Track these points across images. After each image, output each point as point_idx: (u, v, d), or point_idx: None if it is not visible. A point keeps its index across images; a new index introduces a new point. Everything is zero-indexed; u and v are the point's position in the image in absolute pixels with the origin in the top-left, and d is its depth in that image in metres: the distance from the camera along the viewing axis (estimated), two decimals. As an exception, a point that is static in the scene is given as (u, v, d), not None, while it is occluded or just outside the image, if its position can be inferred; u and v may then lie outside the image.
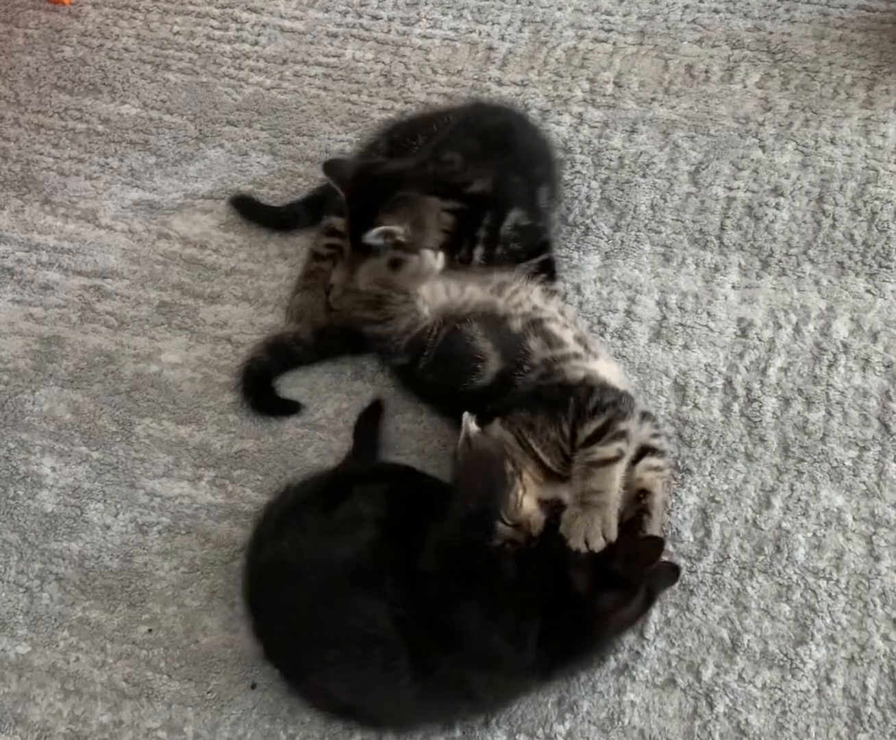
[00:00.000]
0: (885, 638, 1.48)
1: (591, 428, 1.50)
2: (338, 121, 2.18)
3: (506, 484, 1.44)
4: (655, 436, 1.60)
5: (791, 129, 2.04)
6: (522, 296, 1.70)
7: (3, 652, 1.58)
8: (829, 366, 1.73)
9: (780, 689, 1.45)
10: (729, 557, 1.56)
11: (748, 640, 1.49)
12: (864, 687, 1.44)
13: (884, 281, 1.81)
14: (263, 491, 1.69)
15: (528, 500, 1.46)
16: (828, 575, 1.53)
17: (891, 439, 1.64)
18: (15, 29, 2.46)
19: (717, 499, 1.61)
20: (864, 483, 1.61)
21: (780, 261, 1.86)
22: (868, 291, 1.81)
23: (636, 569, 1.42)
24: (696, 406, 1.71)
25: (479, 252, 1.76)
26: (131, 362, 1.87)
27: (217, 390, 1.82)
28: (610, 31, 2.27)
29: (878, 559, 1.54)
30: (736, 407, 1.70)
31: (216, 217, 2.05)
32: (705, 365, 1.75)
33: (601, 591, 1.40)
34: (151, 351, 1.88)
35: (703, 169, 2.00)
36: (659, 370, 1.76)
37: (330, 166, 1.84)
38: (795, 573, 1.54)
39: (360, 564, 1.43)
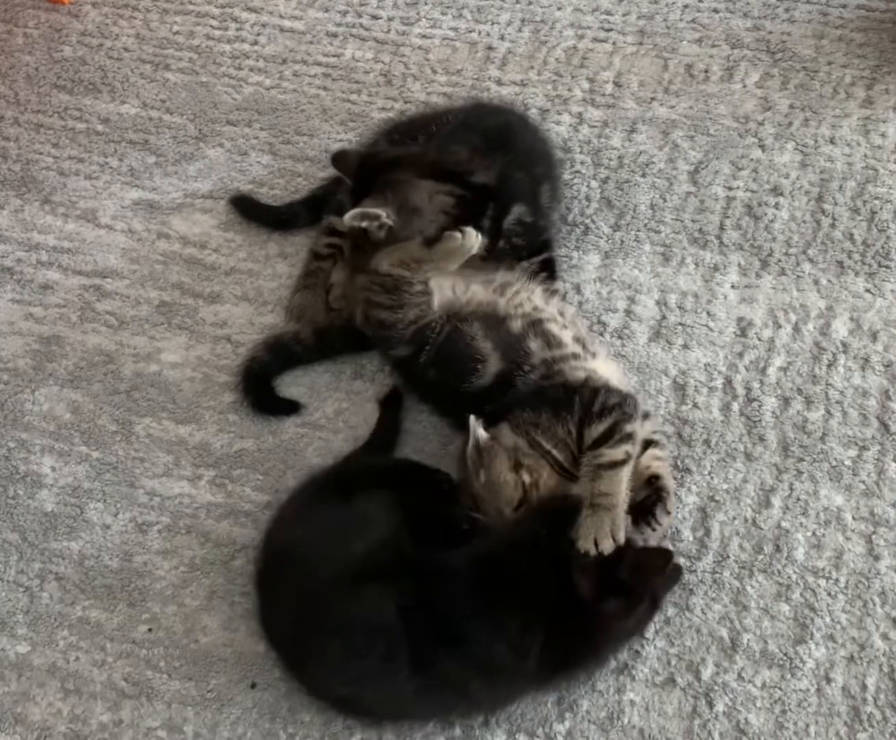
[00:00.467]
0: (885, 637, 1.48)
1: (597, 430, 1.50)
2: (337, 120, 2.18)
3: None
4: (656, 432, 1.61)
5: (790, 129, 2.04)
6: (524, 296, 1.70)
7: (2, 652, 1.58)
8: (829, 366, 1.73)
9: (780, 688, 1.45)
10: (728, 556, 1.56)
11: (748, 639, 1.49)
12: (864, 686, 1.44)
13: (883, 280, 1.81)
14: (263, 490, 1.69)
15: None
16: (827, 575, 1.53)
17: (890, 438, 1.64)
18: (14, 28, 2.46)
19: (717, 498, 1.61)
20: (863, 482, 1.61)
21: (780, 260, 1.86)
22: (867, 291, 1.81)
23: (642, 579, 1.42)
24: (695, 405, 1.71)
25: (482, 244, 1.76)
26: (131, 362, 1.87)
27: (217, 390, 1.82)
28: (609, 30, 2.27)
29: (877, 558, 1.54)
30: (735, 406, 1.70)
31: (216, 216, 2.06)
32: (705, 364, 1.75)
33: (605, 598, 1.40)
34: (151, 350, 1.88)
35: (702, 168, 2.00)
36: (658, 369, 1.76)
37: (338, 158, 1.84)
38: (795, 572, 1.54)
39: (372, 556, 1.43)
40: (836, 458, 1.63)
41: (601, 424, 1.50)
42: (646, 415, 1.61)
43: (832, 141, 2.01)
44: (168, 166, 2.15)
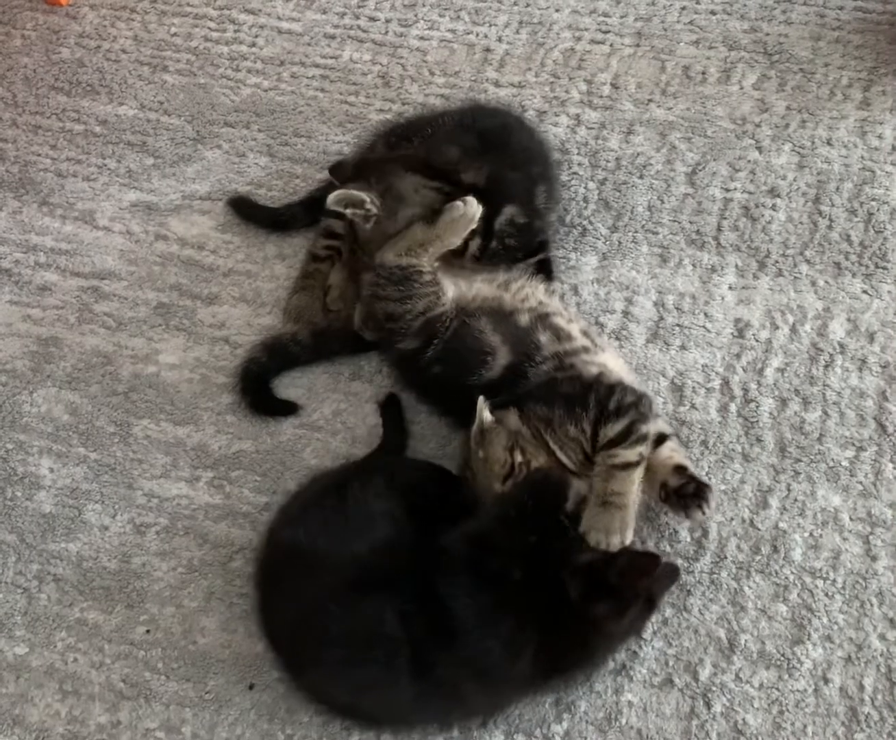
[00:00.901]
0: (882, 637, 1.48)
1: (613, 430, 1.51)
2: (335, 122, 2.18)
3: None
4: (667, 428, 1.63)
5: (787, 131, 2.04)
6: (528, 291, 1.71)
7: (0, 653, 1.58)
8: (826, 367, 1.73)
9: (778, 689, 1.45)
10: (726, 557, 1.56)
11: (745, 640, 1.49)
12: (861, 687, 1.45)
13: (880, 281, 1.82)
14: (261, 491, 1.69)
15: None
16: (824, 575, 1.54)
17: (887, 439, 1.65)
18: (12, 30, 2.46)
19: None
20: (860, 483, 1.61)
21: (777, 261, 1.86)
22: (865, 292, 1.81)
23: (631, 582, 1.42)
24: (693, 406, 1.71)
25: (475, 244, 1.76)
26: (129, 363, 1.87)
27: (215, 391, 1.82)
28: (607, 32, 2.27)
29: (874, 559, 1.54)
30: (733, 407, 1.70)
31: (214, 218, 2.06)
32: (702, 365, 1.76)
33: (595, 601, 1.39)
34: (149, 352, 1.88)
35: (699, 170, 2.00)
36: (656, 371, 1.76)
37: (336, 169, 1.84)
38: (792, 573, 1.54)
39: (373, 562, 1.43)
40: (833, 459, 1.64)
41: (618, 424, 1.51)
42: (656, 413, 1.62)
43: (829, 142, 2.01)
44: (166, 168, 2.15)
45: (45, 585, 1.64)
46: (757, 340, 1.77)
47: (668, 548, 1.57)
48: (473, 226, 1.71)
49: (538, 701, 1.47)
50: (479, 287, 1.71)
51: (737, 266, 1.87)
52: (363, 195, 1.71)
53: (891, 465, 1.62)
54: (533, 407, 1.55)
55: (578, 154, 2.06)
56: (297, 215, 2.01)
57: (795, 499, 1.60)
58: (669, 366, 1.76)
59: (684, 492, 1.52)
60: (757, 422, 1.68)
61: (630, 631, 1.47)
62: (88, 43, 2.41)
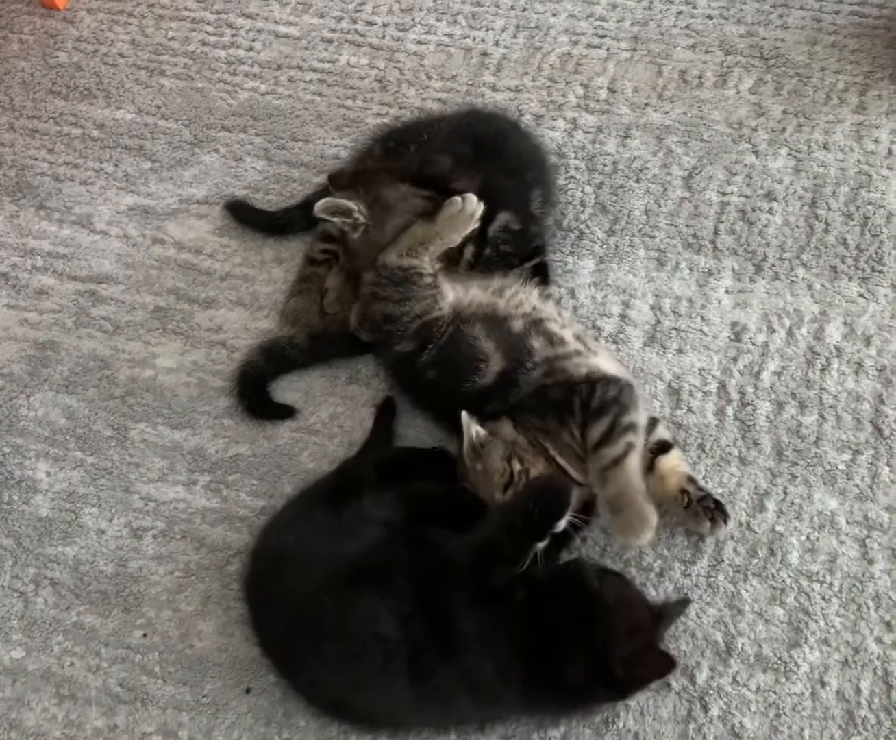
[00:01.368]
0: (879, 640, 1.48)
1: (597, 431, 1.51)
2: (332, 126, 2.18)
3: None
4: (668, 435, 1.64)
5: (784, 135, 2.04)
6: (522, 297, 1.71)
7: (-3, 657, 1.58)
8: (823, 370, 1.73)
9: (775, 692, 1.46)
10: (723, 560, 1.56)
11: (742, 643, 1.49)
12: (858, 690, 1.45)
13: (876, 285, 1.82)
14: (258, 495, 1.69)
15: None
16: (821, 579, 1.54)
17: (884, 442, 1.65)
18: (10, 34, 2.46)
19: (711, 502, 1.61)
20: (857, 486, 1.61)
21: (774, 265, 1.87)
22: (861, 295, 1.81)
23: (637, 682, 1.40)
24: (690, 410, 1.71)
25: (469, 251, 1.77)
26: (126, 367, 1.87)
27: (212, 395, 1.82)
28: (604, 36, 2.27)
29: (871, 562, 1.55)
30: (730, 410, 1.71)
31: (211, 222, 2.06)
32: (699, 369, 1.76)
33: (595, 688, 1.38)
34: (146, 355, 1.88)
35: (696, 174, 2.00)
36: (653, 374, 1.76)
37: (334, 178, 1.84)
38: (789, 576, 1.54)
39: (368, 561, 1.43)
40: (829, 462, 1.64)
41: (601, 424, 1.51)
42: (655, 420, 1.63)
43: (825, 146, 2.01)
44: (163, 172, 2.15)
45: (41, 589, 1.64)
46: (753, 344, 1.77)
47: (665, 551, 1.57)
48: (475, 224, 1.71)
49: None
50: (474, 293, 1.71)
51: (733, 270, 1.87)
52: (351, 204, 1.71)
53: (887, 469, 1.62)
54: (528, 417, 1.56)
55: (575, 158, 2.06)
56: (294, 219, 2.01)
57: (792, 503, 1.61)
58: (666, 369, 1.76)
59: (707, 505, 1.54)
60: (753, 425, 1.68)
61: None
62: (86, 47, 2.41)
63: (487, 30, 2.32)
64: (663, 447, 1.60)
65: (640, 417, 1.54)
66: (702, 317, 1.82)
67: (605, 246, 1.93)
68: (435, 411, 1.70)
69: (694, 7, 2.30)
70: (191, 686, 1.53)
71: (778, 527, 1.58)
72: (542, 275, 1.81)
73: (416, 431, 1.73)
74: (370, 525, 1.48)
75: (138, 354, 1.88)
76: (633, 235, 1.93)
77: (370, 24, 2.37)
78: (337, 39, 2.35)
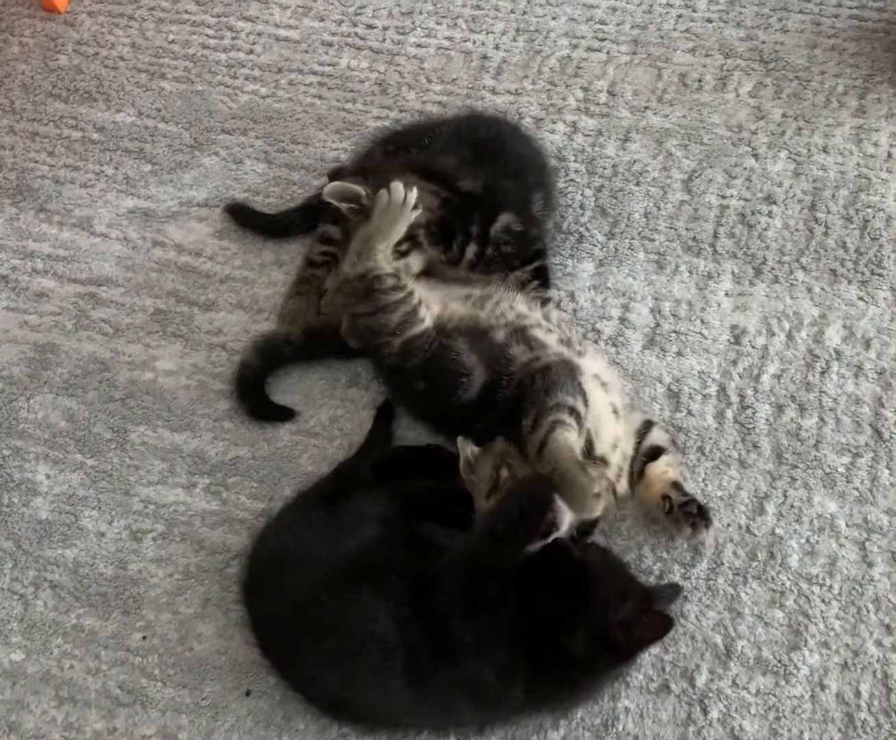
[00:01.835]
0: (878, 643, 1.48)
1: (529, 421, 1.51)
2: (333, 129, 2.19)
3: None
4: (664, 440, 1.64)
5: (784, 138, 2.05)
6: (504, 305, 1.68)
7: (-3, 660, 1.58)
8: (822, 373, 1.73)
9: (774, 695, 1.45)
10: (723, 563, 1.56)
11: (742, 646, 1.49)
12: (858, 693, 1.45)
13: (876, 288, 1.82)
14: (258, 498, 1.69)
15: None
16: (821, 581, 1.54)
17: (883, 445, 1.65)
18: (10, 37, 2.46)
19: (711, 505, 1.61)
20: (856, 489, 1.61)
21: (773, 268, 1.87)
22: (860, 299, 1.81)
23: (637, 643, 1.40)
24: (689, 413, 1.71)
25: (471, 250, 1.77)
26: (126, 369, 1.87)
27: (212, 397, 1.82)
28: (604, 40, 2.28)
29: (870, 565, 1.55)
30: (729, 413, 1.71)
31: (211, 225, 2.06)
32: (699, 372, 1.76)
33: (599, 657, 1.38)
34: (146, 358, 1.88)
35: (696, 177, 2.01)
36: (653, 377, 1.76)
37: (335, 176, 1.83)
38: (789, 579, 1.54)
39: (365, 560, 1.43)
40: (829, 465, 1.64)
41: (531, 414, 1.52)
42: (650, 424, 1.63)
43: (825, 150, 2.02)
44: (163, 174, 2.15)
45: (41, 591, 1.64)
46: (753, 347, 1.77)
47: (665, 554, 1.57)
48: (412, 213, 1.67)
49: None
50: (453, 308, 1.69)
51: (733, 273, 1.87)
52: (359, 189, 1.70)
53: (887, 471, 1.62)
54: (511, 432, 1.55)
55: (575, 161, 2.06)
56: (294, 222, 2.01)
57: (792, 506, 1.61)
58: (666, 372, 1.76)
59: (689, 511, 1.54)
60: (753, 428, 1.68)
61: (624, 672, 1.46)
62: (86, 50, 2.41)
63: (487, 33, 2.32)
64: (655, 453, 1.60)
65: (570, 397, 1.52)
66: (701, 320, 1.82)
67: (604, 249, 1.93)
68: (430, 423, 1.70)
69: (694, 10, 2.30)
70: (190, 688, 1.53)
71: (778, 530, 1.58)
72: (542, 278, 1.81)
73: (415, 434, 1.73)
74: (367, 522, 1.48)
75: (138, 357, 1.88)
76: (632, 238, 1.94)
77: (370, 27, 2.37)
78: (337, 43, 2.35)
